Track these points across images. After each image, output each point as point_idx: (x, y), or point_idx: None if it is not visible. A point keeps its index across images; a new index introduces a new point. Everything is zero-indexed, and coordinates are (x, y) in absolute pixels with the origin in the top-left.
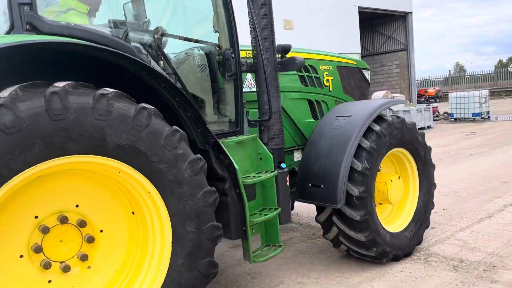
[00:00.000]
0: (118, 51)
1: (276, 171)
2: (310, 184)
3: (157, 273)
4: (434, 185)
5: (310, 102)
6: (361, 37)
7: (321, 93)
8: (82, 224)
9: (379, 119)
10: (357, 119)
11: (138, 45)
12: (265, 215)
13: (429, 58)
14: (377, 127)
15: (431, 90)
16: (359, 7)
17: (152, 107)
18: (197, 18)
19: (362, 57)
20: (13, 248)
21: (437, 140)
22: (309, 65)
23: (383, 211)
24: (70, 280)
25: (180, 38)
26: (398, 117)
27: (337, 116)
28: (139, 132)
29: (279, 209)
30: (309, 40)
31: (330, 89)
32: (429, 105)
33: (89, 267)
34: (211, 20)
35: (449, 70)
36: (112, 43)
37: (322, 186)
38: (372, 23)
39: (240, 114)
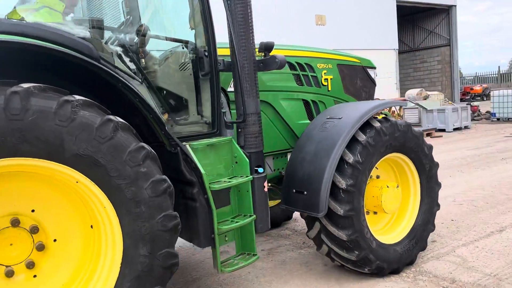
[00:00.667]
0: (60, 49)
1: (251, 176)
2: (294, 190)
3: None
4: (438, 206)
5: (306, 103)
6: (400, 32)
7: (318, 93)
8: (34, 230)
9: (382, 118)
10: (347, 122)
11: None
12: (236, 222)
13: (483, 54)
14: (377, 124)
15: (477, 88)
16: (398, 1)
17: (122, 121)
18: (173, 15)
19: (401, 53)
20: None
21: (470, 142)
22: (305, 63)
23: (380, 221)
24: (11, 286)
25: (150, 36)
26: (404, 121)
27: (327, 118)
28: (100, 143)
29: (254, 216)
30: (342, 36)
31: (329, 89)
32: (468, 104)
33: (35, 276)
34: (186, 17)
35: (498, 67)
36: (66, 41)
37: (305, 192)
38: (413, 17)
39: (217, 115)
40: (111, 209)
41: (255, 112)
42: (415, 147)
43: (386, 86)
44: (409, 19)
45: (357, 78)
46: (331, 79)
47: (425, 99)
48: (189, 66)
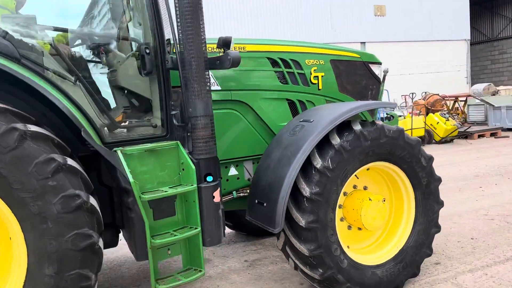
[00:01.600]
0: None
1: (195, 185)
2: (256, 201)
3: None
4: (437, 227)
5: (292, 103)
6: (476, 21)
7: (306, 92)
8: None
9: (365, 121)
10: (317, 125)
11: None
12: (174, 236)
13: None
14: (358, 127)
15: None
16: None
17: (34, 129)
18: (118, 11)
19: (476, 43)
20: None
21: None
22: (291, 59)
23: (366, 238)
24: None
25: (82, 35)
26: (396, 126)
27: (300, 121)
28: (2, 153)
29: (198, 229)
30: (403, 27)
31: (320, 87)
32: None
33: None
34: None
35: None
36: None
37: (265, 204)
38: (492, 4)
39: (167, 117)
40: (16, 223)
41: (204, 115)
42: (407, 157)
43: (454, 80)
44: (487, 6)
45: (355, 75)
46: (322, 76)
47: (493, 94)
48: (131, 65)
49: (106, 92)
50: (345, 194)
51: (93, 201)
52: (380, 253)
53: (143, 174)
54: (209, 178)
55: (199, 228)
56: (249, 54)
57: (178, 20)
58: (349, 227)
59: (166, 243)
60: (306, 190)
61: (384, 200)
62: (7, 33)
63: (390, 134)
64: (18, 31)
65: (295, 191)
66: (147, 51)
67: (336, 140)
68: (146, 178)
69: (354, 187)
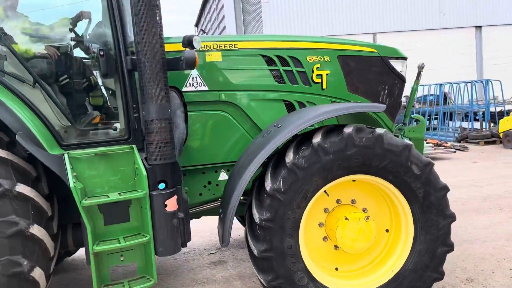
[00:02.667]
0: None
1: (141, 192)
2: (220, 211)
3: None
4: (447, 246)
5: (289, 105)
6: None
7: (306, 93)
8: None
9: (331, 130)
10: (275, 134)
11: None
12: (118, 243)
13: None
14: (317, 139)
15: None
16: None
17: None
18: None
19: None
20: None
21: None
22: (289, 56)
23: (359, 259)
24: None
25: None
26: (373, 131)
27: (274, 125)
28: None
29: (146, 237)
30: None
31: (324, 87)
32: None
33: None
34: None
35: None
36: None
37: (222, 215)
38: None
39: (128, 120)
40: None
41: (158, 118)
42: (391, 166)
43: None
44: None
45: (370, 73)
46: (327, 74)
47: None
48: (88, 67)
49: (69, 94)
50: (326, 210)
51: (37, 229)
52: (372, 277)
53: (92, 178)
54: (161, 186)
55: (149, 236)
56: (240, 52)
57: (135, 20)
58: (336, 247)
59: (109, 249)
60: (256, 216)
61: (368, 218)
62: None
63: (361, 143)
64: None
65: (251, 215)
66: (101, 53)
67: (289, 157)
68: (96, 183)
69: (338, 201)
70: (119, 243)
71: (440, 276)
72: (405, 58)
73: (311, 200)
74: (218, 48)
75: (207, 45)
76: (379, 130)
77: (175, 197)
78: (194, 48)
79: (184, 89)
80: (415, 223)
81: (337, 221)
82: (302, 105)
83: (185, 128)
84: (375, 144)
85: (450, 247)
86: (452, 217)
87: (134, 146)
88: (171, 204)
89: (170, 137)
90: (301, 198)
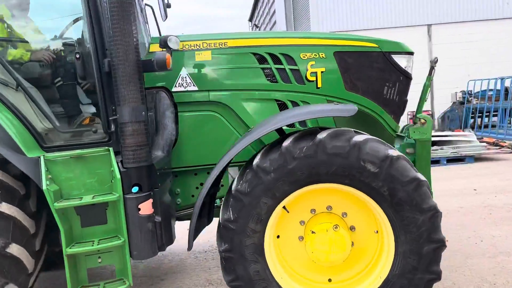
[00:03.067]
0: None
1: (114, 196)
2: None
3: None
4: (434, 242)
5: (282, 104)
6: None
7: (300, 91)
8: None
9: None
10: (244, 137)
11: None
12: (91, 246)
13: None
14: (256, 160)
15: None
16: None
17: None
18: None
19: None
20: None
21: None
22: (281, 53)
23: (352, 266)
24: None
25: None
26: (314, 138)
27: (252, 127)
28: None
29: (120, 240)
30: None
31: (319, 85)
32: None
33: None
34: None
35: None
36: None
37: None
38: None
39: (108, 122)
40: None
41: (130, 121)
42: (341, 171)
43: None
44: None
45: (371, 70)
46: (322, 72)
47: None
48: (69, 70)
49: (53, 97)
50: (302, 223)
51: (16, 248)
52: (364, 285)
53: (69, 181)
54: (135, 189)
55: (123, 239)
56: (231, 50)
57: (109, 21)
58: None
59: (84, 251)
60: (218, 246)
61: (337, 227)
62: None
63: (301, 154)
64: None
65: None
66: (77, 56)
67: (234, 185)
68: (72, 185)
69: (312, 211)
70: (93, 245)
71: (436, 276)
72: (411, 53)
73: (268, 221)
74: (207, 47)
75: (196, 44)
76: (320, 135)
77: (150, 200)
78: (170, 48)
79: (173, 89)
80: (391, 223)
81: (307, 234)
82: (295, 104)
83: (175, 129)
84: (316, 152)
85: (439, 243)
86: (433, 209)
87: (110, 148)
88: (145, 208)
89: (145, 139)
90: (254, 223)
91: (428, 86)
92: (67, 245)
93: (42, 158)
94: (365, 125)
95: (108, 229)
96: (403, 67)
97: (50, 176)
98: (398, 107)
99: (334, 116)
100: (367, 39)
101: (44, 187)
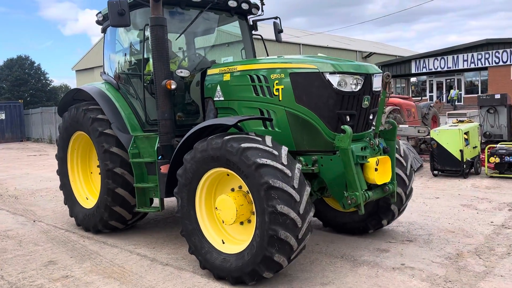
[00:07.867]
0: None
1: (152, 159)
2: None
3: None
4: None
5: (261, 112)
6: None
7: (270, 103)
8: None
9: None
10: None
11: None
12: (146, 184)
13: None
14: (195, 144)
15: None
16: None
17: None
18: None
19: None
20: None
21: None
22: (261, 75)
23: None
24: None
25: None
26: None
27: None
28: None
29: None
30: None
31: (280, 99)
32: None
33: None
34: None
35: None
36: None
37: None
38: None
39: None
40: None
41: (162, 119)
42: (221, 157)
43: None
44: None
45: (312, 87)
46: (282, 88)
47: None
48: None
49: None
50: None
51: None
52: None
53: (142, 149)
54: (160, 158)
55: (156, 184)
56: (237, 73)
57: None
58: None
59: (143, 186)
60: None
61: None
62: None
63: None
64: None
65: None
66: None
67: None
68: (143, 151)
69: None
70: (147, 183)
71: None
72: (342, 73)
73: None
74: (228, 70)
75: (223, 70)
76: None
77: (167, 165)
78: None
79: (215, 99)
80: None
81: None
82: (268, 112)
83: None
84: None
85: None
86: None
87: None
88: (164, 169)
89: (170, 130)
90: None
91: (383, 100)
92: (137, 182)
93: (133, 136)
94: (308, 130)
95: (156, 178)
96: (334, 85)
97: (135, 145)
98: (330, 118)
99: (220, 123)
100: (311, 61)
101: (128, 150)
